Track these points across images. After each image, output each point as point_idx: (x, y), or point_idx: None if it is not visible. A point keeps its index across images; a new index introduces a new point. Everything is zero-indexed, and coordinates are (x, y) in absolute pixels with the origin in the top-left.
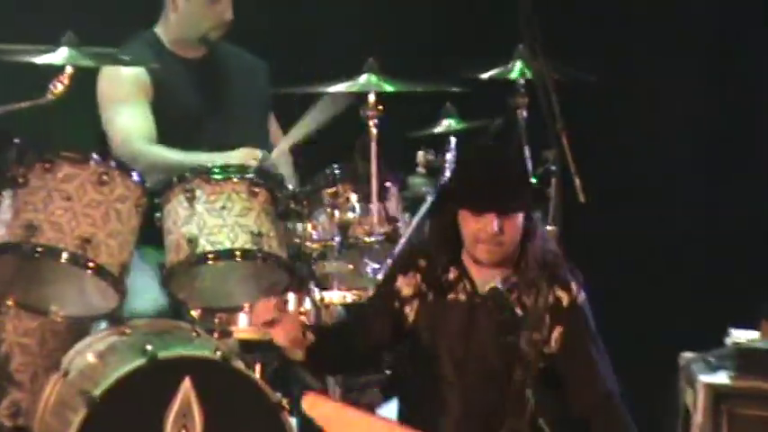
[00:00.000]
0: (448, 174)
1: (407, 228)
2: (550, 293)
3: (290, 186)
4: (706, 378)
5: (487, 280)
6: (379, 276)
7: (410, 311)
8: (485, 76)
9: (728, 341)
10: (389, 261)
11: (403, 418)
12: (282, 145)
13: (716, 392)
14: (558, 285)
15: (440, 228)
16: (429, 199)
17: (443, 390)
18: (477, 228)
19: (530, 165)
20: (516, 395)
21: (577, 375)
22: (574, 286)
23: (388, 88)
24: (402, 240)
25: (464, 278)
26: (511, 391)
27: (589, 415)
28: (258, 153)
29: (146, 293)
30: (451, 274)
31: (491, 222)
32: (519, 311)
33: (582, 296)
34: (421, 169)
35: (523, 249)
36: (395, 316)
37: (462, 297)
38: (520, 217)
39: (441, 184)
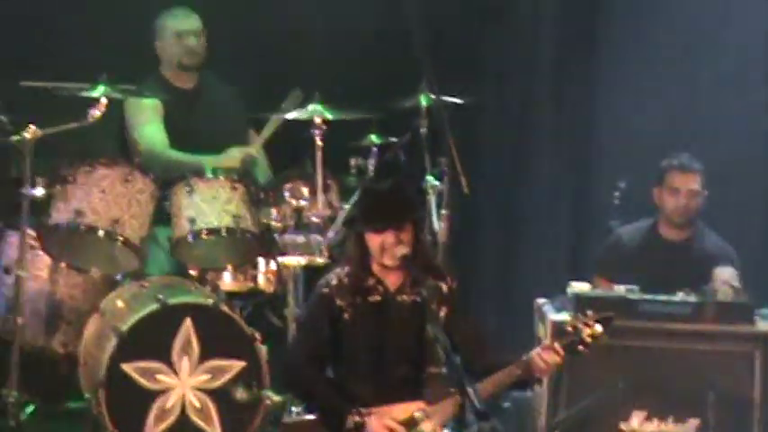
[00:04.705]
0: (358, 195)
1: (341, 213)
2: (433, 284)
3: (260, 182)
4: (552, 316)
5: (395, 280)
6: (323, 246)
7: (347, 315)
8: (397, 105)
9: (569, 291)
10: (323, 290)
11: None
12: (259, 140)
13: (559, 327)
14: (437, 277)
15: (355, 248)
16: (357, 192)
17: (367, 369)
18: (381, 241)
19: (428, 165)
20: (431, 350)
21: (467, 342)
22: (448, 276)
23: (329, 115)
24: (330, 273)
25: (379, 283)
26: (425, 360)
27: (486, 369)
28: (252, 150)
29: (156, 264)
30: (370, 281)
31: (390, 236)
32: (419, 299)
33: (454, 283)
34: (353, 170)
35: (415, 252)
36: (335, 323)
37: (378, 297)
38: (411, 227)
39: (349, 217)
